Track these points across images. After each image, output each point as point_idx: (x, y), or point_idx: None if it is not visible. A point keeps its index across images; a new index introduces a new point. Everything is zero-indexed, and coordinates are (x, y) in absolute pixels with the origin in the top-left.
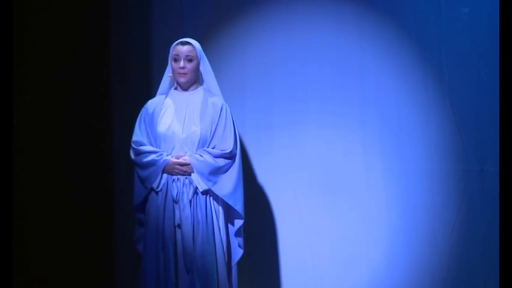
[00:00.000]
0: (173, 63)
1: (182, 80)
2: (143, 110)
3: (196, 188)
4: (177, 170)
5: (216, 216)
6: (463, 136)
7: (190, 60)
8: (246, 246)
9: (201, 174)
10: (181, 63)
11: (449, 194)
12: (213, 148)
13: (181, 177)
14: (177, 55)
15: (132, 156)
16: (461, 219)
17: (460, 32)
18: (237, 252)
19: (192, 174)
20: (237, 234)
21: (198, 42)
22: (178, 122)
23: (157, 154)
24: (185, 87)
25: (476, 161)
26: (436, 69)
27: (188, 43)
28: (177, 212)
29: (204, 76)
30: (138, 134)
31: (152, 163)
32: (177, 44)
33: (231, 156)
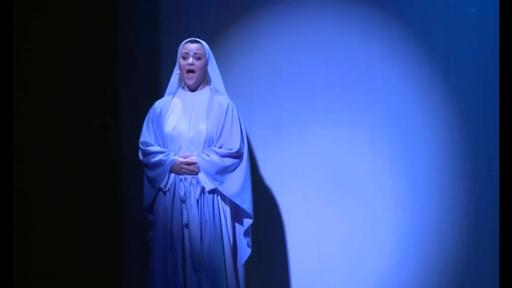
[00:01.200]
0: (181, 60)
1: (190, 82)
2: (151, 111)
3: (204, 187)
4: (184, 170)
5: (224, 216)
6: (471, 135)
7: (198, 58)
8: (254, 246)
9: (207, 173)
10: (190, 60)
11: (457, 193)
12: (220, 147)
13: (189, 177)
14: (186, 53)
15: (140, 157)
16: (469, 219)
17: (467, 32)
18: (245, 252)
19: (199, 174)
20: (245, 233)
21: (206, 42)
22: (185, 121)
23: (165, 154)
24: (193, 88)
25: (484, 161)
26: (444, 69)
27: (197, 41)
28: (184, 212)
29: (211, 76)
30: (146, 135)
31: (159, 163)
32: (186, 42)
33: (238, 156)
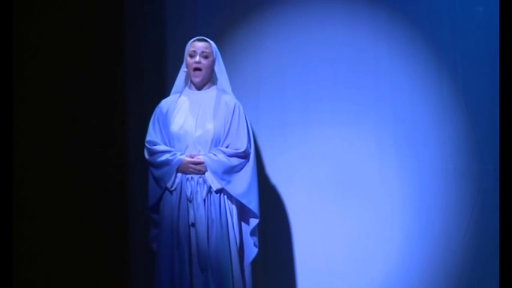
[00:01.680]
0: (189, 58)
1: (197, 79)
2: (157, 110)
3: (210, 187)
4: (191, 169)
5: (230, 215)
6: (477, 135)
7: (206, 57)
8: (261, 245)
9: (214, 173)
10: (197, 58)
11: (464, 193)
12: (227, 147)
13: (195, 177)
14: (194, 51)
15: (146, 156)
16: (476, 219)
17: (474, 31)
18: (252, 251)
19: (206, 173)
20: (252, 233)
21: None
22: (192, 121)
23: (171, 153)
24: (199, 86)
25: (490, 161)
26: (451, 69)
27: (205, 40)
28: (191, 211)
29: (218, 75)
30: (152, 134)
31: (166, 162)
32: (194, 40)
33: (245, 156)
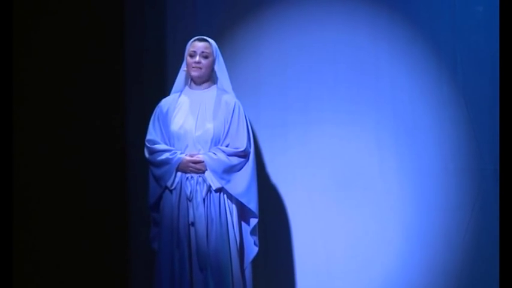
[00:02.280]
0: (189, 58)
1: (195, 73)
2: (157, 109)
3: (210, 186)
4: (191, 168)
5: (230, 214)
6: (477, 135)
7: (206, 57)
8: (260, 244)
9: (214, 172)
10: (197, 58)
11: (464, 193)
12: (227, 146)
13: (195, 176)
14: (194, 51)
15: (146, 155)
16: (476, 218)
17: (474, 31)
18: (252, 250)
19: (206, 172)
20: (252, 232)
21: None
22: (192, 120)
23: (171, 152)
24: (198, 83)
25: (490, 160)
26: (451, 68)
27: (205, 40)
28: (190, 210)
29: (218, 75)
30: (152, 133)
31: (166, 161)
32: (194, 40)
33: (244, 155)
